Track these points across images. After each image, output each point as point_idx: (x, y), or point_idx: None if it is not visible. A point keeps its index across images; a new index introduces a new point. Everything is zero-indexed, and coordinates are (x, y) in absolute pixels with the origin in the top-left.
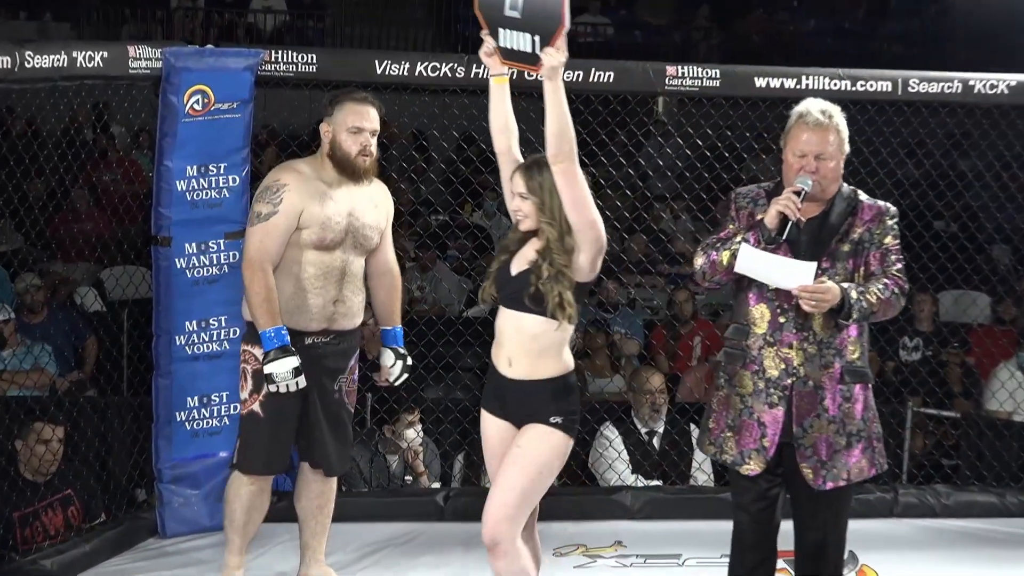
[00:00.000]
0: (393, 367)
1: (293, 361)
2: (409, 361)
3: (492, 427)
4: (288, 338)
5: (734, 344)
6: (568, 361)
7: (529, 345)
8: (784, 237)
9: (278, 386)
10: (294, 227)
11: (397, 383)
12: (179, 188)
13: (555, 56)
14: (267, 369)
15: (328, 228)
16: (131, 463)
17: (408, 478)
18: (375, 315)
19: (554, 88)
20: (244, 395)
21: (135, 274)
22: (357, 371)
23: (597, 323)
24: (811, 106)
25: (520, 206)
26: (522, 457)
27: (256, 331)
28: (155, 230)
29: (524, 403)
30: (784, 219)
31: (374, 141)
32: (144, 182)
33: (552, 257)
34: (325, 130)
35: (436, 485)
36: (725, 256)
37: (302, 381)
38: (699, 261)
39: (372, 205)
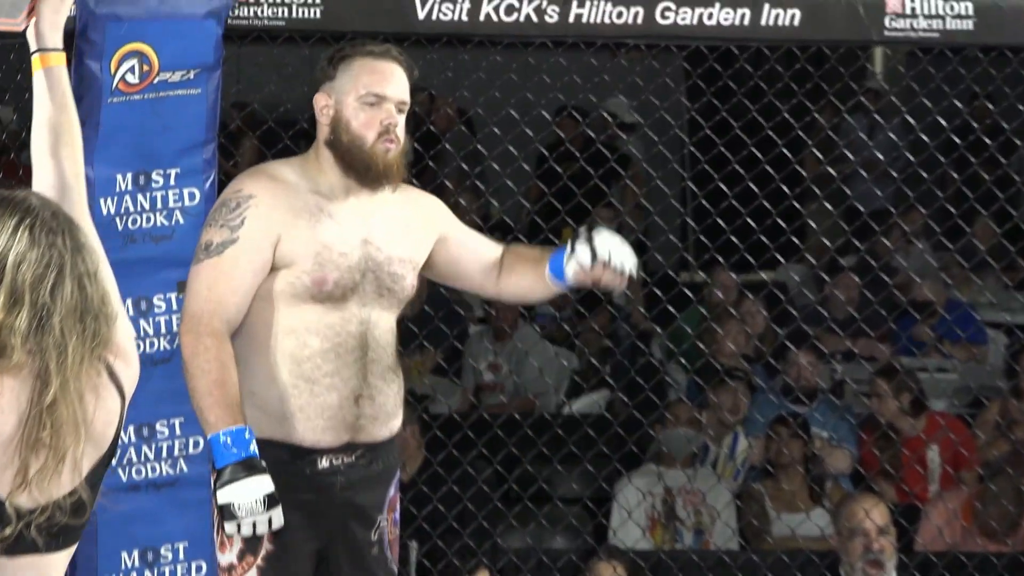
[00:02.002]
0: (596, 256)
1: (262, 483)
2: (605, 239)
3: None
4: (253, 445)
5: None
6: None
7: None
8: None
9: (240, 525)
10: (267, 264)
11: (624, 268)
12: (104, 211)
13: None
14: (221, 498)
15: (328, 264)
16: None
17: None
18: (531, 279)
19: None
20: (228, 558)
21: None
22: (399, 504)
23: (784, 421)
24: None
25: None
26: None
27: None
28: None
29: None
30: None
31: (402, 120)
32: None
33: None
34: (323, 105)
35: None
36: None
37: (278, 517)
38: None
39: (401, 225)
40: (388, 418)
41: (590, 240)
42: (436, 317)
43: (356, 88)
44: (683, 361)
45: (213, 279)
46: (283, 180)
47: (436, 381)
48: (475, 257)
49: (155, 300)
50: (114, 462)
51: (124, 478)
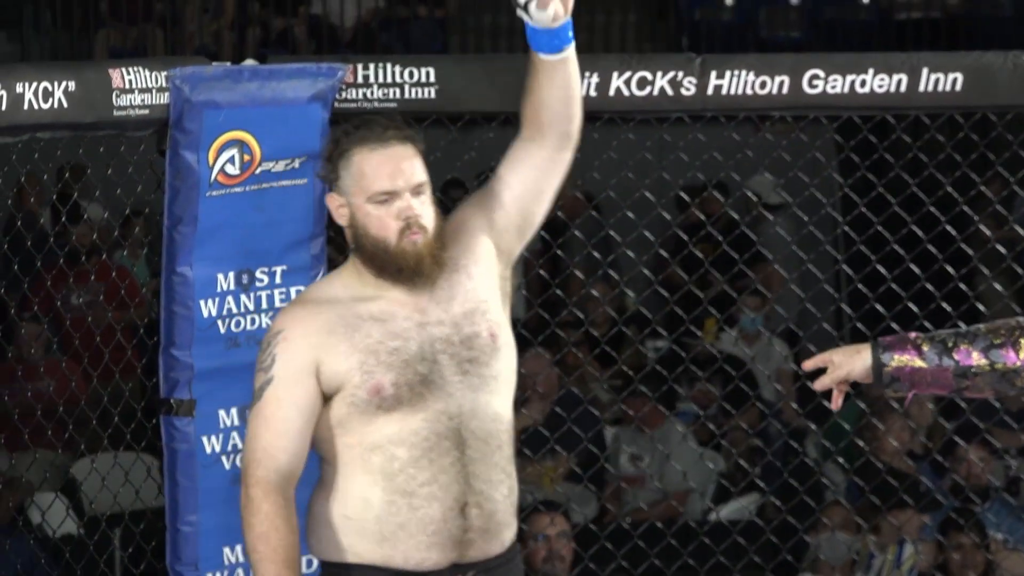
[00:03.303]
0: None
1: None
2: None
3: None
4: None
5: None
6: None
7: None
8: None
9: None
10: (313, 396)
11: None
12: (204, 313)
13: None
14: None
15: (377, 369)
16: None
17: None
18: (530, 88)
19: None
20: None
21: (132, 467)
22: None
23: (955, 522)
24: None
25: None
26: None
27: None
28: (165, 390)
29: None
30: None
31: (424, 200)
32: (142, 304)
33: None
34: (337, 205)
35: None
36: None
37: None
38: None
39: (451, 271)
40: (500, 529)
41: None
42: (567, 418)
43: (362, 189)
44: (840, 460)
45: (258, 426)
46: (321, 302)
47: (570, 488)
48: (524, 167)
49: None
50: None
51: None
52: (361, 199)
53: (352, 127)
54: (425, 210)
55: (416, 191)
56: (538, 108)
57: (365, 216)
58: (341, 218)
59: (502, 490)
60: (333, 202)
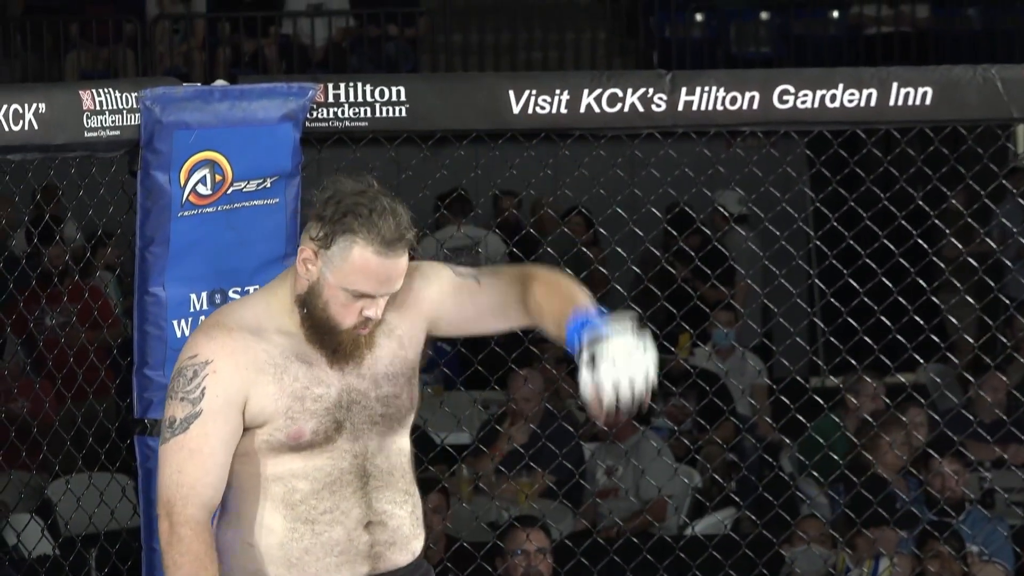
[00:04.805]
0: (591, 382)
1: None
2: (619, 346)
3: None
4: None
5: None
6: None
7: None
8: None
9: None
10: (238, 430)
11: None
12: (178, 333)
13: None
14: None
15: (301, 416)
16: None
17: None
18: (549, 327)
19: None
20: None
21: (107, 487)
22: None
23: (932, 535)
24: None
25: None
26: None
27: None
28: (138, 410)
29: None
30: None
31: (385, 300)
32: (116, 324)
33: None
34: (305, 258)
35: None
36: None
37: None
38: None
39: (383, 334)
40: (407, 541)
41: (593, 363)
42: (543, 436)
43: (347, 279)
44: (815, 474)
45: (182, 460)
46: (242, 330)
47: (544, 505)
48: (488, 305)
49: None
50: None
51: None
52: (338, 283)
53: (365, 206)
54: (379, 313)
55: (386, 294)
56: (543, 328)
57: (332, 295)
58: (304, 272)
59: (406, 508)
60: (304, 254)
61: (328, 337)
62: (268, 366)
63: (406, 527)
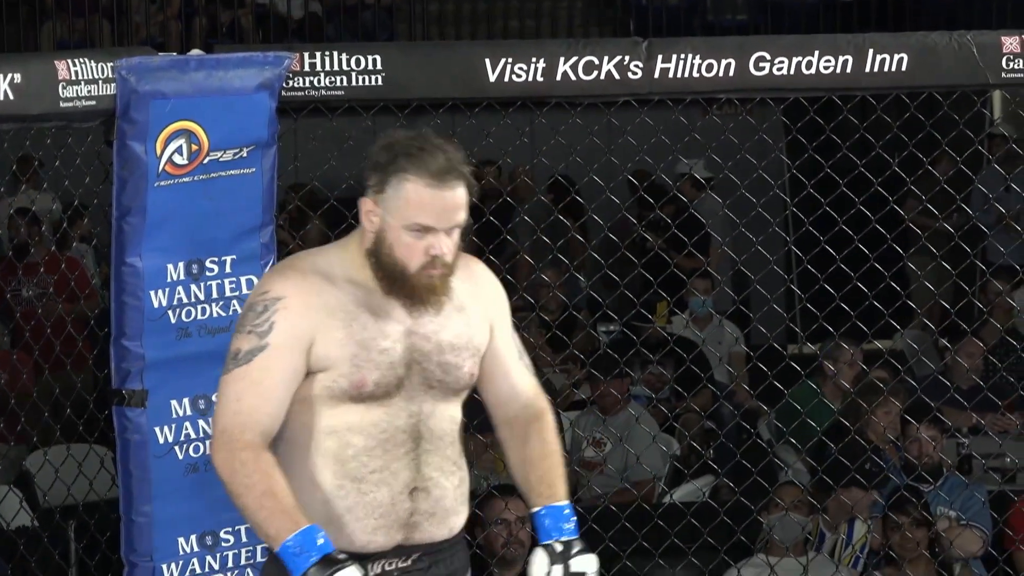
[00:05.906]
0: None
1: (350, 574)
2: (580, 566)
3: None
4: (322, 538)
5: None
6: None
7: None
8: None
9: None
10: (301, 370)
11: None
12: (155, 303)
13: None
14: None
15: (367, 364)
16: None
17: None
18: (518, 488)
19: None
20: None
21: (85, 459)
22: None
23: (904, 501)
24: None
25: None
26: None
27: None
28: (116, 381)
29: None
30: None
31: (455, 235)
32: (93, 296)
33: None
34: (368, 210)
35: None
36: None
37: None
38: None
39: (455, 308)
40: (447, 515)
41: (560, 558)
42: None
43: (404, 215)
44: (793, 441)
45: (242, 390)
46: (316, 275)
47: None
48: (501, 378)
49: (214, 398)
50: (174, 573)
51: None
52: (398, 222)
53: (415, 145)
54: (452, 247)
55: (451, 231)
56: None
57: (395, 238)
58: (369, 224)
59: (453, 480)
60: (366, 206)
61: (400, 283)
62: (339, 311)
63: (448, 499)
